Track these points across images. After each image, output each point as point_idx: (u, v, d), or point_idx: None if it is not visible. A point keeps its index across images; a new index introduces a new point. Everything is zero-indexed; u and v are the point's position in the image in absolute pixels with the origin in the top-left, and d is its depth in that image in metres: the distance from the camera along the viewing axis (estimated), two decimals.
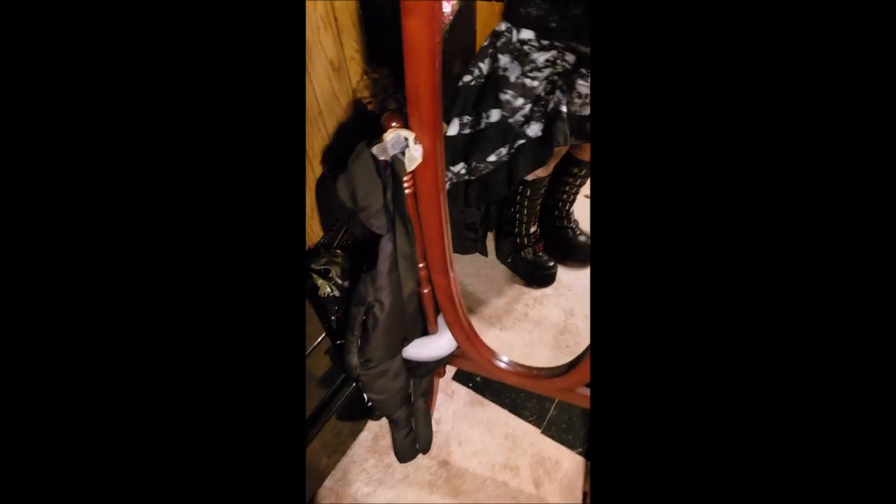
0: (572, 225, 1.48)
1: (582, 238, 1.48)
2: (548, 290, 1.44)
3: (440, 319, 1.00)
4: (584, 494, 1.05)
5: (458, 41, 1.70)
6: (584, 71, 0.91)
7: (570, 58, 0.91)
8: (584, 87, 0.93)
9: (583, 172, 1.33)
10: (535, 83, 0.91)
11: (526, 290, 1.45)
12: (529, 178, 1.24)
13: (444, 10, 1.57)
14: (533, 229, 1.42)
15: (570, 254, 1.48)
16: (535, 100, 0.93)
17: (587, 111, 0.96)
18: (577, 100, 0.95)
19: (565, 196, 1.41)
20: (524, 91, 0.92)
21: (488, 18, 1.75)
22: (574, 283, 1.45)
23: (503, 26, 0.92)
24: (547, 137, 0.94)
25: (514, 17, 0.90)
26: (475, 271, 1.50)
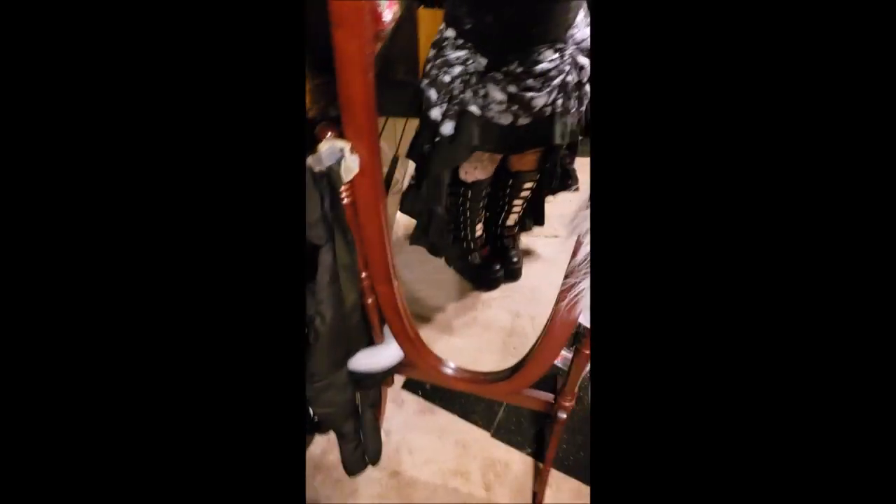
0: (511, 247, 1.46)
1: (515, 266, 1.46)
2: (495, 294, 1.45)
3: (386, 329, 0.99)
4: (534, 494, 1.07)
5: (401, 48, 1.70)
6: (497, 76, 0.95)
7: (483, 60, 0.95)
8: (499, 93, 0.96)
9: (514, 184, 1.32)
10: (448, 79, 0.97)
11: (474, 293, 1.46)
12: (469, 179, 1.25)
13: (385, 17, 1.57)
14: (478, 233, 1.43)
15: (506, 274, 1.46)
16: (450, 98, 0.98)
17: (506, 119, 1.00)
18: (494, 106, 0.98)
19: (502, 203, 1.40)
20: (437, 85, 0.98)
21: (431, 26, 1.76)
22: (520, 285, 1.47)
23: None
24: (461, 136, 0.99)
25: (446, 14, 0.98)
26: (424, 276, 1.49)
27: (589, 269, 0.62)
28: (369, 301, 0.89)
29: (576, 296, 0.65)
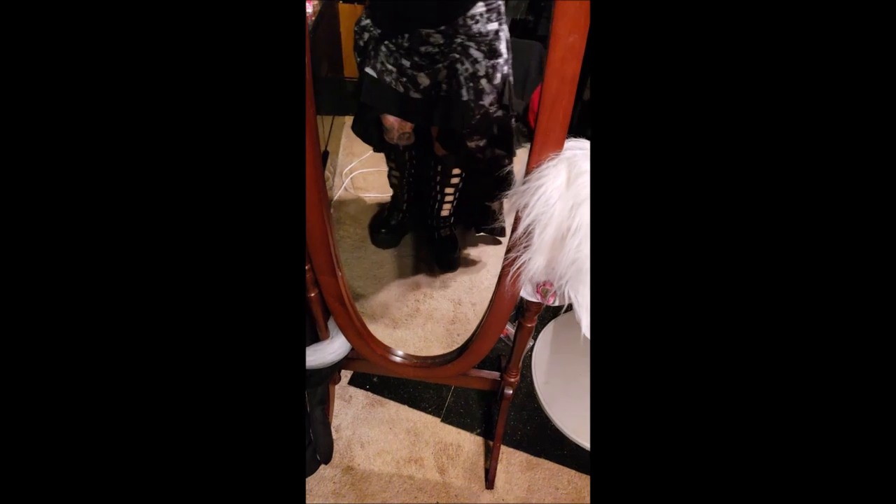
0: (446, 237, 1.48)
1: (453, 256, 1.48)
2: (435, 283, 1.48)
3: (331, 323, 0.98)
4: (486, 471, 1.10)
5: (324, 43, 1.67)
6: (390, 46, 1.04)
7: (377, 29, 1.05)
8: (390, 63, 1.06)
9: (438, 168, 1.34)
10: (361, 43, 1.09)
11: (414, 285, 1.47)
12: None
13: (307, 10, 1.54)
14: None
15: (444, 265, 1.49)
16: (361, 60, 1.10)
17: (399, 88, 1.08)
18: (385, 74, 1.07)
19: (430, 191, 1.43)
20: (357, 48, 1.10)
21: (352, 20, 1.75)
22: (459, 274, 1.51)
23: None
24: (360, 93, 1.11)
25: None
26: (363, 273, 1.49)
27: (528, 243, 0.66)
28: (312, 295, 0.88)
29: (518, 269, 0.69)
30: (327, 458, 1.09)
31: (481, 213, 1.46)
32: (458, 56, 1.02)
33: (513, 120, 1.18)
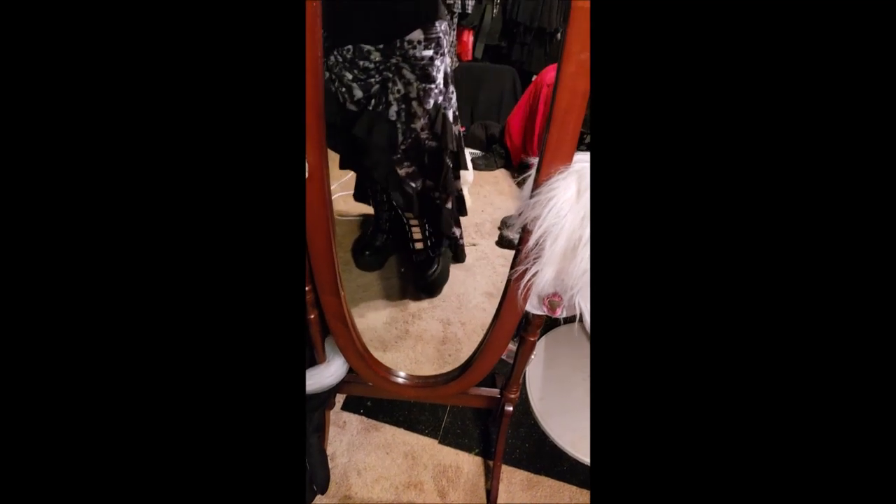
0: (423, 261, 1.47)
1: (430, 279, 1.47)
2: (423, 304, 1.47)
3: (328, 346, 0.96)
4: (488, 492, 1.08)
5: None
6: (336, 55, 1.08)
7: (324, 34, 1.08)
8: (335, 70, 1.09)
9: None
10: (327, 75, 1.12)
11: (402, 307, 1.46)
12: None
13: None
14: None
15: (423, 288, 1.48)
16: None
17: (339, 97, 1.12)
18: (328, 82, 1.10)
19: (404, 220, 1.43)
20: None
21: None
22: (446, 294, 1.51)
23: None
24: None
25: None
26: (349, 296, 1.46)
27: (539, 255, 0.67)
28: (311, 317, 0.86)
29: (528, 281, 0.69)
30: (324, 489, 1.04)
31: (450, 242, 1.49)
32: (391, 75, 1.08)
33: (448, 155, 1.21)
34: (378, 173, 1.23)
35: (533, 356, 1.19)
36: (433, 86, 1.10)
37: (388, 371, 0.95)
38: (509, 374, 0.98)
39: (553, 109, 0.58)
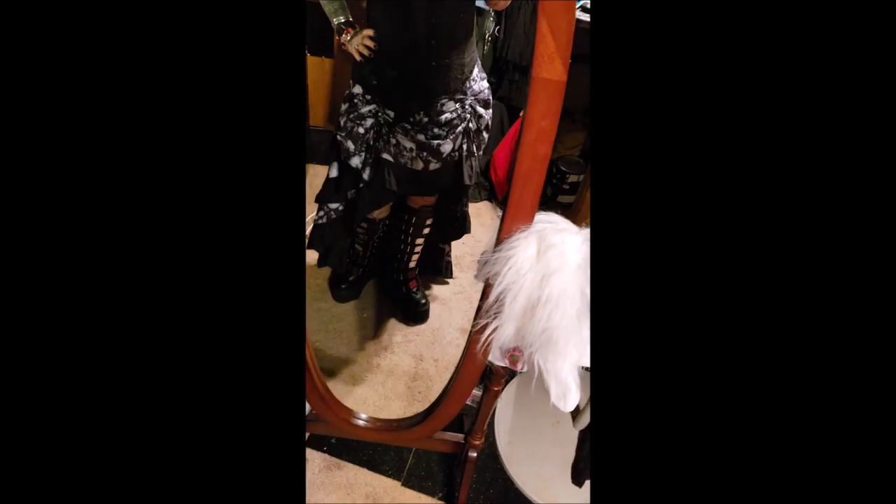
0: (413, 290, 1.48)
1: (423, 308, 1.47)
2: (397, 337, 1.45)
3: None
4: None
5: None
6: (405, 126, 1.06)
7: (391, 112, 1.06)
8: (408, 142, 1.07)
9: (413, 220, 1.36)
10: (362, 130, 1.07)
11: (374, 339, 1.44)
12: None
13: None
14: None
15: (414, 317, 1.48)
16: (367, 148, 1.08)
17: (418, 165, 1.11)
18: (405, 153, 1.09)
19: (399, 244, 1.43)
20: (353, 136, 1.07)
21: (319, 73, 1.78)
22: (420, 328, 1.50)
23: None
24: (379, 181, 1.10)
25: (353, 72, 1.07)
26: (321, 326, 1.45)
27: (499, 311, 0.67)
28: None
29: (488, 336, 0.69)
30: None
31: (433, 255, 1.49)
32: (469, 116, 1.10)
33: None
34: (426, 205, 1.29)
35: (501, 397, 1.18)
36: (491, 110, 1.15)
37: (350, 413, 0.93)
38: (473, 421, 0.96)
39: (515, 172, 0.59)
